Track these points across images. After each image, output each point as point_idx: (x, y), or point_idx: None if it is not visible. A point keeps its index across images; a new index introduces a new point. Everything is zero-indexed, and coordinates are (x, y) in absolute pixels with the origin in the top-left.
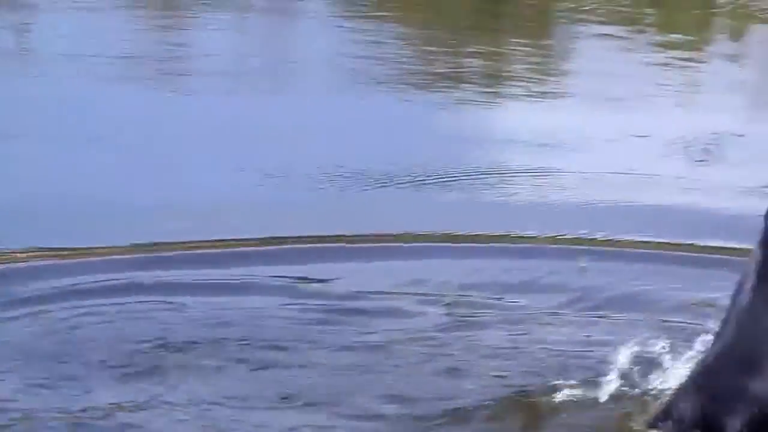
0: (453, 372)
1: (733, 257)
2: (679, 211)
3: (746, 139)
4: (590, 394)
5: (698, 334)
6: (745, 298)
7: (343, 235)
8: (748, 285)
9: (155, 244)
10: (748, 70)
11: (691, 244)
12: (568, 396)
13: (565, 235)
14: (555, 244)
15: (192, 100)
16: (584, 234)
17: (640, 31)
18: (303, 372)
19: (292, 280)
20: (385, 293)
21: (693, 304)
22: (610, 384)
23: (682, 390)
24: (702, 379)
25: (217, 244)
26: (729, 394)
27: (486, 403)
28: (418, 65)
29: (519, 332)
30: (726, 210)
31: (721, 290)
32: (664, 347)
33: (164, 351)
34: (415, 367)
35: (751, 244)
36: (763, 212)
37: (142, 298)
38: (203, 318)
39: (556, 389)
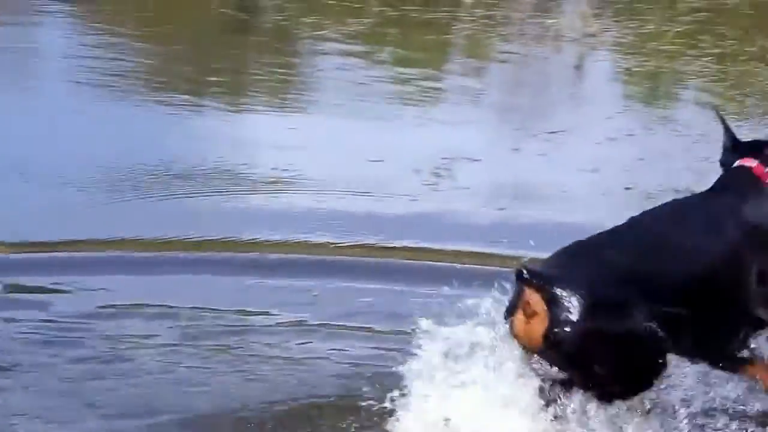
0: (189, 383)
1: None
2: (413, 222)
3: (482, 164)
4: (341, 401)
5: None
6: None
7: (78, 241)
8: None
9: None
10: (489, 95)
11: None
12: (310, 405)
13: (297, 241)
14: (281, 253)
15: None
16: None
17: (381, 52)
18: (33, 394)
19: (13, 292)
20: (124, 305)
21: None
22: (361, 392)
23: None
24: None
25: None
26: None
27: (225, 413)
28: (162, 79)
29: (251, 343)
30: (456, 219)
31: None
32: (397, 358)
33: None
34: (153, 379)
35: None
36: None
37: None
38: None
39: (294, 398)
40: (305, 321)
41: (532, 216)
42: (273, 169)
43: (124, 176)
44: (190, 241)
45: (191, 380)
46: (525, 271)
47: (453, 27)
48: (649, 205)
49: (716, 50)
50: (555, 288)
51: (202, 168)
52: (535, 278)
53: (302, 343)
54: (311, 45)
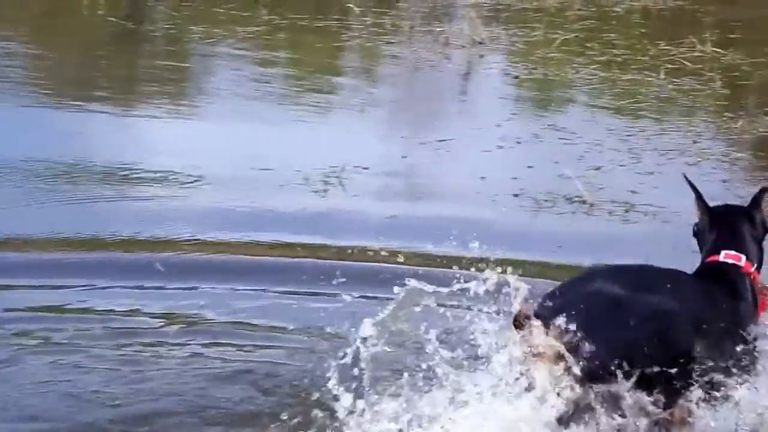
0: (77, 388)
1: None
2: (305, 224)
3: (370, 172)
4: (238, 407)
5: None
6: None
7: None
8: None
9: None
10: (378, 103)
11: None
12: (205, 409)
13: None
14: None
15: None
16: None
17: (271, 60)
18: None
19: None
20: (11, 309)
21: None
22: (267, 395)
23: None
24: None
25: None
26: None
27: (115, 419)
28: (52, 84)
29: (143, 347)
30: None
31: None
32: (302, 359)
33: None
34: (38, 384)
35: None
36: None
37: None
38: None
39: (187, 401)
40: (200, 322)
41: (422, 220)
42: (165, 172)
43: (18, 179)
44: (83, 241)
45: (78, 385)
46: (534, 315)
47: (342, 35)
48: (540, 212)
49: (604, 58)
50: (565, 327)
51: (94, 171)
52: (545, 320)
53: (194, 345)
54: (201, 53)
